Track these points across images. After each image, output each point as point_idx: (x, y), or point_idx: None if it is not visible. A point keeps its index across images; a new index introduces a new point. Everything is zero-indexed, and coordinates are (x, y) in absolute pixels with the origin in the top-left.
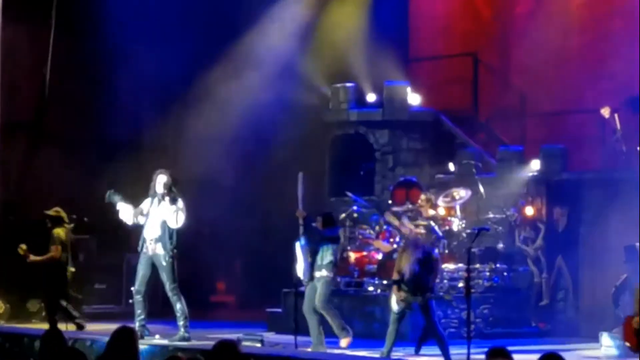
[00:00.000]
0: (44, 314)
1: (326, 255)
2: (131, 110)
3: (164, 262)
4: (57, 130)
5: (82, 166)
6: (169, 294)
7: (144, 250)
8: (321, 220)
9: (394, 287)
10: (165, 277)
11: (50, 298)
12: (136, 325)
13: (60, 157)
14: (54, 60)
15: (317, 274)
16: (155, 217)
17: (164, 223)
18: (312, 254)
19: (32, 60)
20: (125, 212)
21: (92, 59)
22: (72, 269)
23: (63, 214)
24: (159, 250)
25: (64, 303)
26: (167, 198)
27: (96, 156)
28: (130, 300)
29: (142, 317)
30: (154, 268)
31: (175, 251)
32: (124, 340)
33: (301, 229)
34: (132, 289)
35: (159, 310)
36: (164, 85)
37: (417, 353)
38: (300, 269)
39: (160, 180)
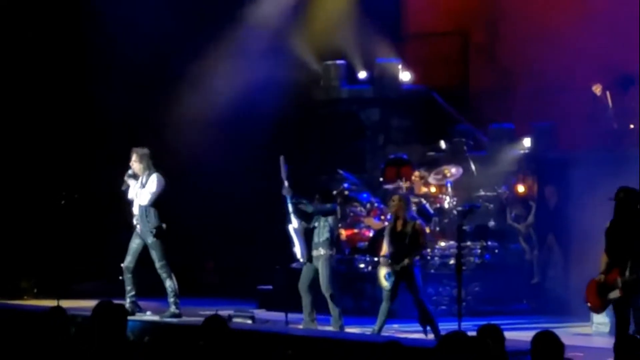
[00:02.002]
0: (35, 290)
1: (323, 233)
2: (127, 90)
3: (149, 240)
4: (53, 109)
5: (70, 144)
6: (158, 271)
7: (135, 228)
8: (319, 198)
9: (382, 260)
10: (153, 254)
11: None
12: (127, 301)
13: (49, 135)
14: (50, 40)
15: (315, 252)
16: (130, 195)
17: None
18: (307, 232)
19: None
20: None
21: (90, 37)
22: None
23: None
24: (143, 228)
25: None
26: (139, 176)
27: (86, 134)
28: (120, 277)
29: (133, 293)
30: (144, 245)
31: (158, 229)
32: (105, 316)
33: (290, 208)
34: (122, 265)
35: (150, 287)
36: (145, 65)
37: (426, 335)
38: (297, 250)
39: (133, 159)
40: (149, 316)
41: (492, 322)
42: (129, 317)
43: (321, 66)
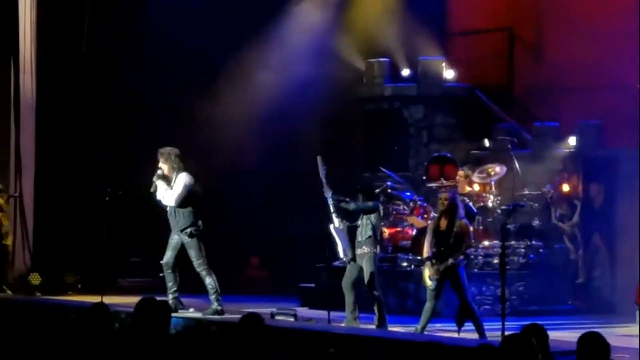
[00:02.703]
0: (80, 286)
1: (366, 231)
2: (165, 87)
3: (184, 239)
4: (94, 107)
5: (113, 141)
6: (197, 269)
7: (171, 225)
8: (361, 196)
9: (427, 263)
10: (190, 253)
11: None
12: (169, 298)
13: (91, 132)
14: (89, 38)
15: (359, 251)
16: (158, 197)
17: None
18: (350, 231)
19: (69, 39)
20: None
21: (128, 34)
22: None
23: None
24: (173, 227)
25: None
26: (168, 177)
27: (128, 131)
28: (161, 274)
29: (174, 289)
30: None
31: (195, 229)
32: (147, 312)
33: (331, 207)
34: (161, 262)
35: (194, 284)
36: (197, 63)
37: (459, 333)
38: (340, 249)
39: (160, 160)
40: (191, 313)
41: (536, 322)
42: (172, 314)
43: (365, 64)
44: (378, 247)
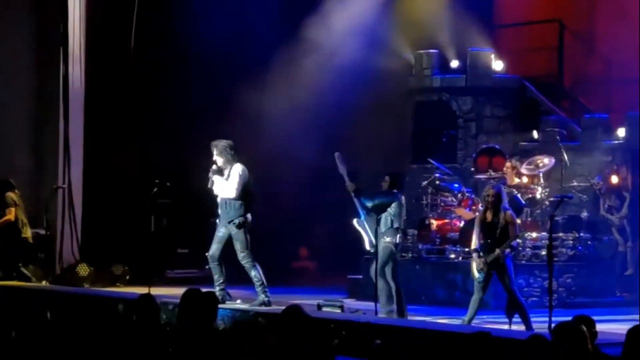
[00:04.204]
0: (128, 277)
1: (386, 222)
2: (212, 78)
3: (232, 230)
4: (141, 98)
5: (161, 133)
6: (241, 262)
7: (220, 218)
8: (388, 180)
9: (474, 255)
10: (236, 245)
11: (9, 261)
12: (216, 290)
13: (139, 124)
14: (137, 30)
15: (381, 241)
16: (215, 190)
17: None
18: (376, 222)
19: (118, 31)
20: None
21: (175, 26)
22: (29, 234)
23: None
24: (225, 218)
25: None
26: (222, 169)
27: (175, 123)
28: (207, 266)
29: (221, 281)
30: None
31: (243, 220)
32: (193, 303)
33: (356, 202)
34: (207, 254)
35: (238, 275)
36: (246, 54)
37: (510, 325)
38: (366, 242)
39: (214, 152)
40: (239, 304)
41: (585, 314)
42: (219, 306)
43: (414, 55)
44: (398, 237)
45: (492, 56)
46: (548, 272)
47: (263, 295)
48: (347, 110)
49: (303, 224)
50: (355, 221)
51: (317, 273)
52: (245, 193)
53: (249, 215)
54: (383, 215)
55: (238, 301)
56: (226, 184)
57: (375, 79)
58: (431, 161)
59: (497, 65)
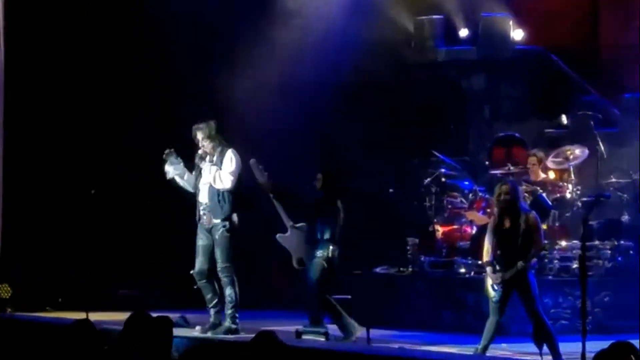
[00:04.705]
0: (60, 299)
1: (319, 232)
2: (171, 54)
3: (217, 234)
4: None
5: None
6: (220, 274)
7: (202, 221)
8: (321, 179)
9: (488, 269)
10: (217, 253)
11: None
12: (211, 314)
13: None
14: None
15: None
16: (203, 181)
17: (211, 187)
18: (310, 231)
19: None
20: (185, 179)
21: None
22: None
23: None
24: (213, 219)
25: None
26: (209, 156)
27: (119, 109)
28: (195, 286)
29: (215, 301)
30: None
31: (231, 221)
32: (140, 330)
33: (279, 210)
34: (193, 272)
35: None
36: (209, 25)
37: (541, 357)
38: (294, 259)
39: (199, 137)
40: (198, 332)
41: (626, 339)
42: (178, 333)
43: (413, 22)
44: (331, 250)
45: (510, 23)
46: (581, 289)
47: (230, 320)
48: (330, 92)
49: (275, 231)
50: (278, 237)
51: (293, 292)
52: (238, 186)
53: (235, 216)
54: (318, 221)
55: (197, 328)
56: (217, 172)
57: (365, 53)
58: (436, 154)
59: (517, 34)
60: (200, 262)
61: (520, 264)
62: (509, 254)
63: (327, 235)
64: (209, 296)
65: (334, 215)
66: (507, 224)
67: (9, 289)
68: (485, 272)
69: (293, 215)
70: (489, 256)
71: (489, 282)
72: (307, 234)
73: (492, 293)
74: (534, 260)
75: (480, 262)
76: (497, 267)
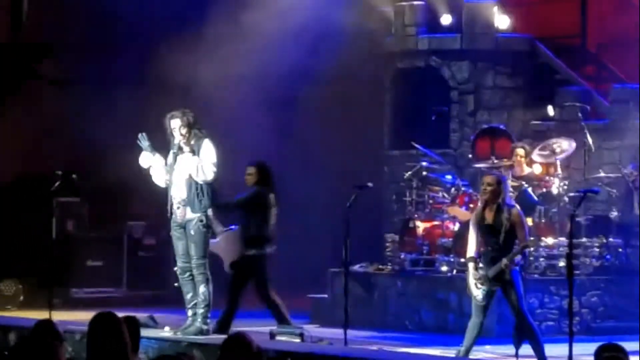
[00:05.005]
0: (21, 298)
1: (251, 228)
2: (133, 40)
3: (193, 229)
4: (35, 65)
5: (68, 109)
6: (194, 271)
7: (174, 217)
8: (254, 173)
9: (470, 266)
10: (192, 248)
11: None
12: (188, 314)
13: (40, 99)
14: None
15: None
16: (179, 173)
17: (189, 179)
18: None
19: None
20: (157, 169)
21: None
22: None
23: None
24: (189, 214)
25: None
26: (186, 147)
27: (88, 96)
28: (176, 284)
29: (194, 302)
30: None
31: (208, 215)
32: (106, 331)
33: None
34: (175, 268)
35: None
36: (174, 10)
37: (517, 356)
38: (225, 264)
39: (175, 126)
40: (167, 333)
41: (614, 342)
42: (146, 334)
43: (393, 8)
44: (266, 247)
45: (495, 9)
46: (568, 288)
47: (201, 320)
48: (305, 82)
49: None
50: (210, 245)
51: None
52: (217, 178)
53: (210, 211)
54: (246, 219)
55: (166, 328)
56: (199, 163)
57: (342, 41)
58: (416, 146)
59: (502, 21)
60: (182, 260)
61: (504, 261)
62: (492, 251)
63: (253, 232)
64: (188, 296)
65: (267, 210)
66: (490, 218)
67: None
68: (467, 269)
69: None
70: (473, 252)
71: (472, 280)
72: (242, 232)
73: (475, 292)
74: (518, 257)
75: (462, 259)
76: (480, 265)
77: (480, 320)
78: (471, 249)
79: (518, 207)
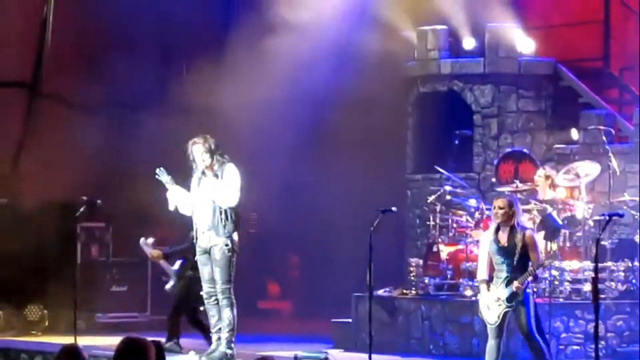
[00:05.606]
0: (46, 323)
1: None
2: (154, 64)
3: (218, 254)
4: (61, 91)
5: (93, 134)
6: (220, 295)
7: (199, 243)
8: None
9: (482, 287)
10: (218, 273)
11: None
12: (212, 338)
13: (64, 124)
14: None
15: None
16: (202, 199)
17: (214, 205)
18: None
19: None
20: (180, 198)
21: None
22: None
23: None
24: (214, 240)
25: None
26: (209, 172)
27: (109, 121)
28: (202, 308)
29: (220, 327)
30: None
31: (232, 240)
32: (132, 356)
33: (163, 266)
34: (202, 293)
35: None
36: (196, 34)
37: None
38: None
39: (197, 152)
40: (191, 357)
41: None
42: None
43: (416, 32)
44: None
45: (518, 33)
46: (593, 312)
47: (225, 344)
48: (327, 106)
49: (271, 251)
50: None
51: (291, 316)
52: (240, 202)
53: (236, 235)
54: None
55: (191, 353)
56: (223, 188)
57: (365, 65)
58: (439, 170)
59: (525, 45)
60: (206, 285)
61: (515, 284)
62: (506, 272)
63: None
64: (214, 320)
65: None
66: (503, 240)
67: None
68: (479, 291)
69: None
70: (484, 274)
71: (483, 302)
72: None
73: (486, 314)
74: (530, 278)
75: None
76: (493, 286)
77: (496, 342)
78: (482, 271)
79: (531, 230)
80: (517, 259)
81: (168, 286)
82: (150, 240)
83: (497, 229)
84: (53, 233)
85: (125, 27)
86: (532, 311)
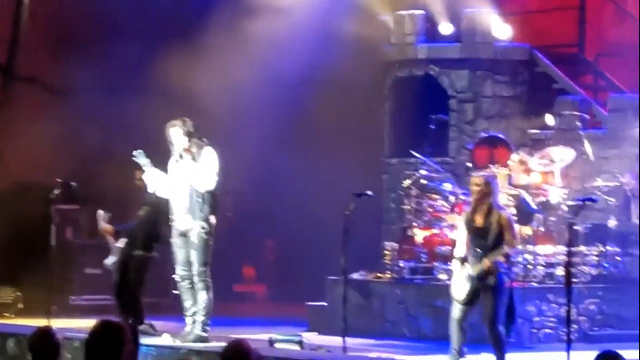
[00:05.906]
0: (20, 305)
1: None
2: (134, 47)
3: (195, 237)
4: (37, 73)
5: (69, 117)
6: (196, 278)
7: (176, 225)
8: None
9: (456, 266)
10: (194, 255)
11: None
12: (187, 321)
13: (40, 106)
14: None
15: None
16: (179, 182)
17: (191, 188)
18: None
19: None
20: (157, 181)
21: None
22: None
23: None
24: (190, 223)
25: None
26: (187, 155)
27: (86, 104)
28: (175, 291)
29: (194, 310)
30: None
31: (209, 222)
32: (105, 338)
33: (111, 245)
34: (174, 276)
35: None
36: (175, 16)
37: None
38: None
39: (175, 134)
40: (166, 340)
41: (612, 350)
42: (144, 341)
43: (393, 17)
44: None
45: (495, 19)
46: (566, 296)
47: (200, 327)
48: (305, 90)
49: (247, 235)
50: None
51: (267, 299)
52: (218, 186)
53: (213, 218)
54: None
55: (165, 335)
56: (200, 171)
57: (343, 49)
58: (415, 154)
59: (501, 30)
60: (181, 267)
61: (485, 261)
62: (481, 252)
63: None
64: (187, 303)
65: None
66: (479, 221)
67: None
68: (452, 266)
69: None
70: (461, 252)
71: (455, 279)
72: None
73: (455, 290)
74: (506, 265)
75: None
76: (466, 264)
77: (459, 322)
78: (459, 248)
79: (507, 211)
80: (492, 239)
81: (107, 261)
82: (107, 215)
83: (475, 208)
84: (27, 215)
85: (104, 9)
86: (501, 304)
